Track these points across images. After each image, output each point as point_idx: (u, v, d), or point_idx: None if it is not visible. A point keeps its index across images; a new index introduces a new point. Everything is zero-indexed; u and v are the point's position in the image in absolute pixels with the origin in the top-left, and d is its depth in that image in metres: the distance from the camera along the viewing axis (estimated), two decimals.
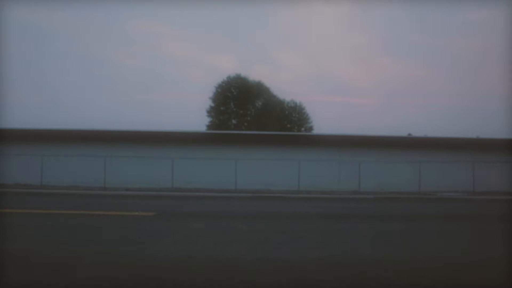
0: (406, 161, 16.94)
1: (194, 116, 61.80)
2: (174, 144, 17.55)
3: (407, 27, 74.81)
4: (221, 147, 17.97)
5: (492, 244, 6.94)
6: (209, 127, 42.78)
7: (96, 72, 67.75)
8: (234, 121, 43.44)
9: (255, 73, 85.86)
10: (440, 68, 68.94)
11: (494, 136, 18.67)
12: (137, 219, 8.94)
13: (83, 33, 70.83)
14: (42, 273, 4.92)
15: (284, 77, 67.22)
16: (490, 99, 63.33)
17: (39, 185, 16.21)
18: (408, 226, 8.78)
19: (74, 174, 16.73)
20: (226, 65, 71.06)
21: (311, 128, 45.13)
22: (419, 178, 16.67)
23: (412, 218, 10.27)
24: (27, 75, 62.49)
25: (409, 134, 24.62)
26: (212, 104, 43.51)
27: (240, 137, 21.45)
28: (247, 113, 43.54)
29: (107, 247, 6.29)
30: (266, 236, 7.23)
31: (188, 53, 72.41)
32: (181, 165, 16.92)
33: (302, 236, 7.33)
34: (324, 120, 61.57)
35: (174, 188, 16.32)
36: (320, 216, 10.31)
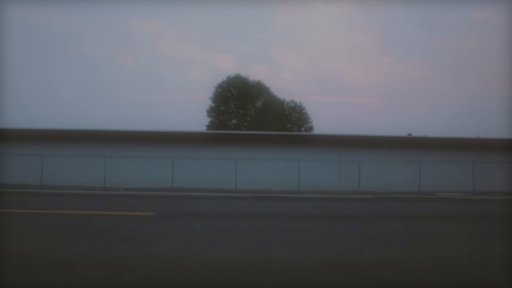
0: (406, 161, 16.94)
1: (194, 116, 61.77)
2: (174, 144, 17.55)
3: (407, 27, 74.75)
4: (221, 147, 17.97)
5: (492, 244, 6.94)
6: (209, 127, 42.74)
7: (96, 72, 67.71)
8: (234, 121, 43.41)
9: (255, 73, 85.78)
10: (440, 68, 68.89)
11: (494, 136, 18.68)
12: (137, 219, 8.95)
13: (83, 33, 70.80)
14: (42, 273, 4.92)
15: (284, 77, 67.16)
16: (490, 99, 63.24)
17: (39, 185, 16.20)
18: (408, 226, 8.78)
19: (74, 174, 16.73)
20: (226, 65, 70.95)
21: (311, 128, 45.08)
22: (419, 178, 16.66)
23: (412, 218, 10.27)
24: (27, 75, 62.44)
25: (409, 134, 24.61)
26: (212, 104, 43.47)
27: (240, 137, 21.45)
28: (247, 113, 43.51)
29: (107, 247, 6.30)
30: (266, 236, 7.24)
31: (188, 53, 72.39)
32: (181, 165, 16.92)
33: (302, 236, 7.33)
34: (324, 120, 61.48)
35: (174, 188, 16.33)
36: (320, 216, 10.31)
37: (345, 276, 4.98)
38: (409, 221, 9.52)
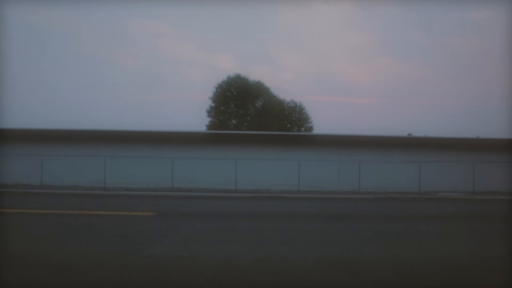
0: (406, 161, 16.93)
1: (194, 116, 61.83)
2: (174, 144, 17.55)
3: (407, 27, 74.74)
4: (221, 147, 17.97)
5: (492, 244, 6.94)
6: (209, 127, 42.74)
7: (96, 72, 67.69)
8: (234, 121, 43.42)
9: (255, 73, 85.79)
10: (440, 68, 68.87)
11: (494, 136, 18.67)
12: (137, 219, 8.95)
13: (83, 33, 70.79)
14: (42, 273, 4.92)
15: (284, 77, 67.16)
16: (490, 99, 63.23)
17: (39, 185, 16.20)
18: (408, 226, 8.78)
19: (74, 174, 16.72)
20: (226, 65, 70.96)
21: (311, 128, 45.08)
22: (419, 178, 16.66)
23: (412, 218, 10.27)
24: (27, 75, 62.43)
25: (409, 134, 24.63)
26: (212, 104, 43.49)
27: (240, 137, 21.46)
28: (247, 113, 43.51)
29: (107, 247, 6.30)
30: (266, 236, 7.24)
31: (188, 53, 72.39)
32: (181, 165, 16.91)
33: (302, 236, 7.33)
34: (324, 120, 61.50)
35: (174, 188, 16.32)
36: (320, 216, 10.31)
37: (345, 276, 4.98)
38: (409, 221, 9.52)
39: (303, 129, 44.64)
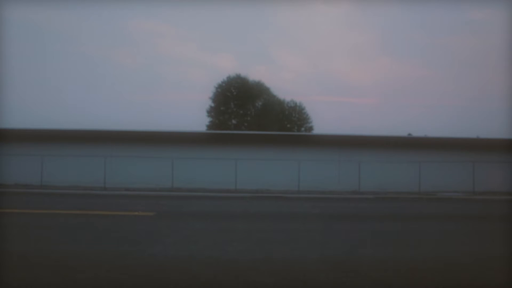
0: (406, 161, 16.93)
1: (194, 116, 61.80)
2: (174, 144, 17.54)
3: (407, 27, 74.69)
4: (221, 147, 17.96)
5: (492, 244, 6.94)
6: (209, 127, 42.77)
7: (96, 72, 67.68)
8: (234, 121, 43.45)
9: (255, 73, 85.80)
10: (440, 68, 68.86)
11: (494, 136, 18.66)
12: (137, 219, 8.94)
13: (83, 33, 70.78)
14: (42, 273, 4.92)
15: (284, 77, 67.16)
16: (490, 99, 63.21)
17: (39, 185, 16.19)
18: (408, 226, 8.78)
19: (74, 174, 16.70)
20: (226, 65, 70.97)
21: (311, 128, 45.11)
22: (419, 178, 16.65)
23: (412, 218, 10.27)
24: (27, 75, 62.40)
25: (409, 134, 24.60)
26: (212, 104, 43.53)
27: (240, 137, 21.45)
28: (247, 113, 43.54)
29: (107, 247, 6.30)
30: (266, 236, 7.24)
31: (188, 53, 72.36)
32: (181, 165, 16.91)
33: (302, 236, 7.33)
34: (324, 120, 61.46)
35: (174, 188, 16.32)
36: (320, 216, 10.31)
37: (345, 276, 4.98)
38: (409, 221, 9.51)
39: (303, 129, 44.67)
